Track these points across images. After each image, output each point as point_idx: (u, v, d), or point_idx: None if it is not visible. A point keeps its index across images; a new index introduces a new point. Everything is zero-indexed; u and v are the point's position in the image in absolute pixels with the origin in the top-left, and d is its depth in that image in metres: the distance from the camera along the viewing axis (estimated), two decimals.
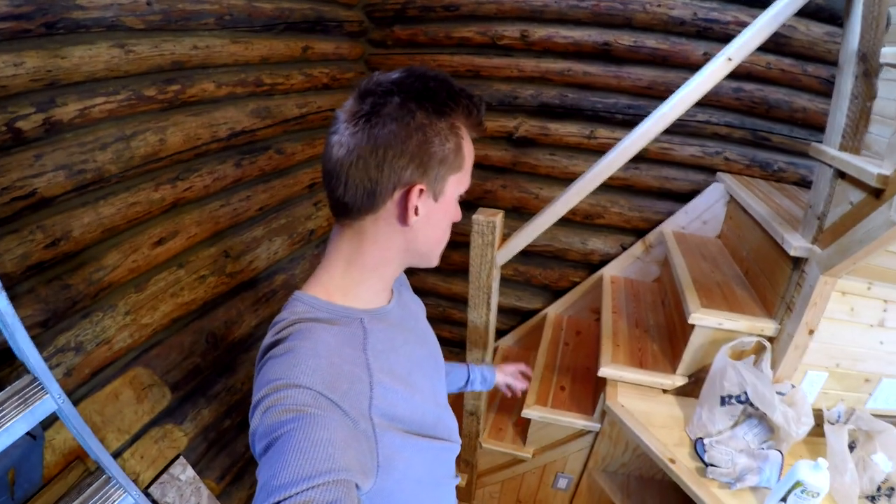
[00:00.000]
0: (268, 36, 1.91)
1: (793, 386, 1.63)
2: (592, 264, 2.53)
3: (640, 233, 2.41)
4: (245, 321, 1.97)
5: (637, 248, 2.42)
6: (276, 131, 2.04)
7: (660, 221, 2.35)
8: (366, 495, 0.67)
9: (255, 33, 1.85)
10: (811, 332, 1.58)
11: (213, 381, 1.83)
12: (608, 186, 2.35)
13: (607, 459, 2.07)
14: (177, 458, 1.70)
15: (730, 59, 1.54)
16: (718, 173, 2.23)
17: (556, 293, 2.66)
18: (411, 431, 0.75)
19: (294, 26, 2.01)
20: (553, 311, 2.66)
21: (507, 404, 2.38)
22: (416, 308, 0.99)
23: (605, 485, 2.05)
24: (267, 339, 0.71)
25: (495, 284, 1.81)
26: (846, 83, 1.47)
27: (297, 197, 2.21)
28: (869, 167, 1.30)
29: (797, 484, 1.34)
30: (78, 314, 1.39)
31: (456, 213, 0.81)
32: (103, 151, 1.41)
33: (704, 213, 2.27)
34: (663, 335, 2.07)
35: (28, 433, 1.25)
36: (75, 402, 1.29)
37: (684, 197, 2.30)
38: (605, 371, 1.88)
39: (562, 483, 2.17)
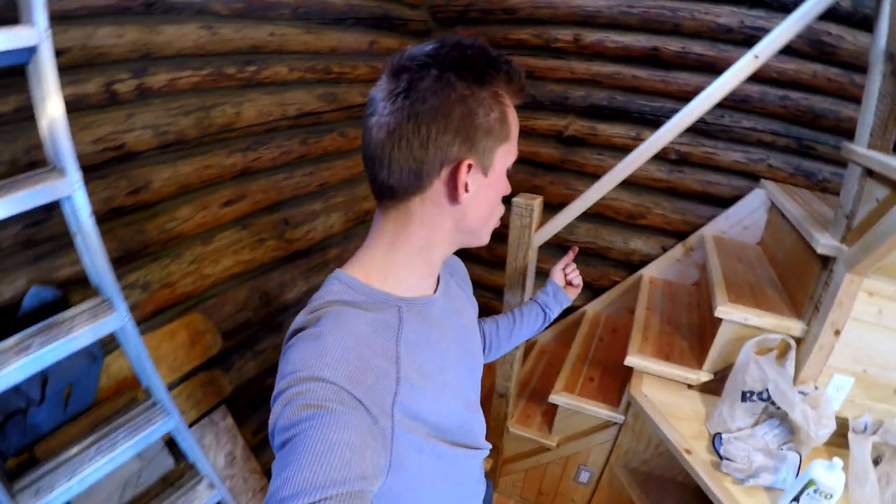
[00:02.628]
0: (338, 29, 2.06)
1: (816, 387, 1.58)
2: (633, 264, 2.53)
3: (681, 235, 2.39)
4: (297, 286, 2.12)
5: (677, 250, 2.40)
6: (341, 115, 2.19)
7: (701, 225, 2.33)
8: (374, 495, 0.62)
9: (326, 25, 2.01)
10: (837, 332, 1.52)
11: (262, 337, 1.97)
12: (652, 188, 2.39)
13: (629, 454, 2.06)
14: (219, 404, 1.83)
15: (756, 57, 1.55)
16: (762, 180, 2.19)
17: (596, 291, 2.67)
18: (432, 435, 0.71)
19: (362, 21, 2.16)
20: (592, 308, 2.67)
21: (538, 392, 2.41)
22: (463, 303, 0.92)
23: (626, 480, 2.04)
24: (299, 318, 0.69)
25: (531, 266, 1.86)
26: (874, 82, 1.44)
27: (356, 178, 2.35)
28: (892, 162, 1.28)
29: (810, 483, 1.31)
30: (148, 257, 1.55)
31: (505, 187, 0.75)
32: (186, 117, 1.58)
33: (745, 218, 2.24)
34: (694, 334, 2.04)
35: (90, 352, 1.41)
36: None
37: (726, 202, 2.26)
38: (631, 360, 1.87)
39: (583, 477, 2.17)
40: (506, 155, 0.71)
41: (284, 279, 2.06)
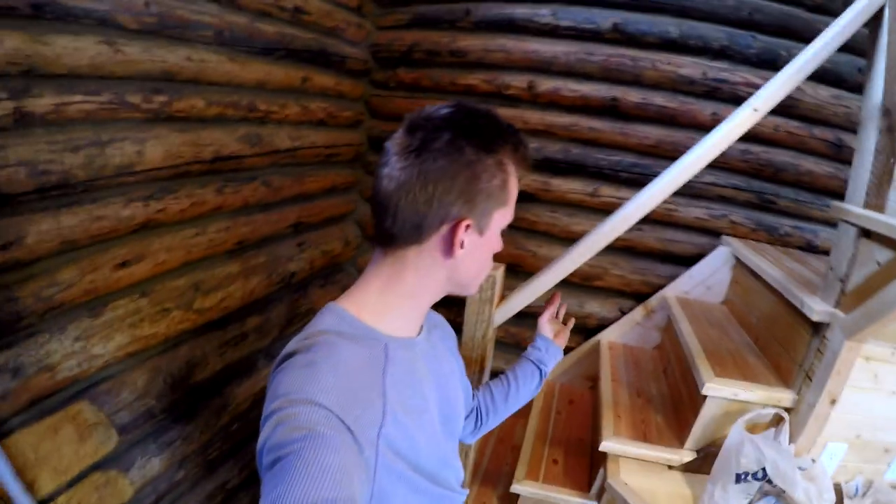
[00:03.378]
0: (267, 60, 1.84)
1: (813, 461, 1.54)
2: (588, 329, 2.41)
3: (639, 297, 2.31)
4: (210, 364, 1.77)
5: (637, 312, 2.31)
6: (265, 161, 1.93)
7: (661, 286, 2.27)
8: None
9: (253, 55, 1.78)
10: (833, 401, 1.48)
11: (168, 427, 1.61)
12: (609, 247, 2.26)
13: None
14: None
15: (756, 110, 1.50)
16: (723, 237, 2.17)
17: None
18: (413, 470, 0.74)
19: (295, 54, 1.94)
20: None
21: (491, 475, 2.17)
22: (443, 353, 0.97)
23: None
24: (291, 344, 0.72)
25: (490, 346, 1.70)
26: (869, 139, 1.45)
27: (280, 235, 2.08)
28: None
29: None
30: (22, 332, 1.22)
31: (498, 244, 0.82)
32: (74, 154, 1.28)
33: (709, 278, 2.20)
34: (667, 406, 1.93)
35: None
36: (8, 432, 1.17)
37: (687, 260, 2.23)
38: (606, 445, 1.71)
39: None
40: (502, 217, 0.79)
41: (194, 357, 1.72)
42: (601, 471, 1.76)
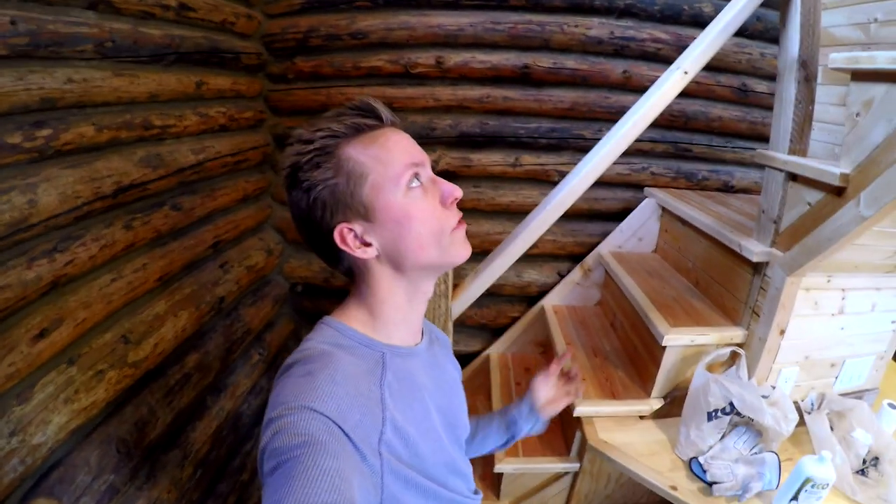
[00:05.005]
0: (156, 68, 1.60)
1: (773, 387, 1.68)
2: (530, 296, 2.44)
3: (575, 258, 2.37)
4: (159, 418, 1.57)
5: (575, 273, 2.37)
6: (171, 183, 1.70)
7: (595, 244, 2.33)
8: None
9: (141, 65, 1.54)
10: (782, 332, 1.62)
11: (134, 497, 1.43)
12: None
13: (590, 496, 1.97)
14: None
15: (686, 73, 1.54)
16: (646, 189, 2.26)
17: (494, 332, 2.53)
18: (420, 474, 0.74)
19: (186, 57, 1.71)
20: (495, 350, 2.51)
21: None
22: (445, 361, 0.98)
23: None
24: (289, 359, 0.73)
25: (449, 335, 1.67)
26: (789, 89, 1.54)
27: (200, 260, 1.86)
28: (829, 168, 1.34)
29: (807, 480, 1.35)
30: None
31: (427, 196, 0.76)
32: None
33: (639, 230, 2.29)
34: (624, 360, 2.02)
35: None
36: None
37: (616, 216, 2.30)
38: (580, 410, 1.77)
39: None
40: (378, 190, 0.72)
41: (142, 414, 1.52)
42: (578, 433, 1.82)
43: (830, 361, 1.73)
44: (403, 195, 0.73)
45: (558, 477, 1.92)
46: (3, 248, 1.14)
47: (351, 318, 0.79)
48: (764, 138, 2.26)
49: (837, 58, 1.31)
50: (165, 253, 1.69)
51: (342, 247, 0.74)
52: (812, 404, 1.73)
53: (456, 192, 0.77)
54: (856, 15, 1.75)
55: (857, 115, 1.28)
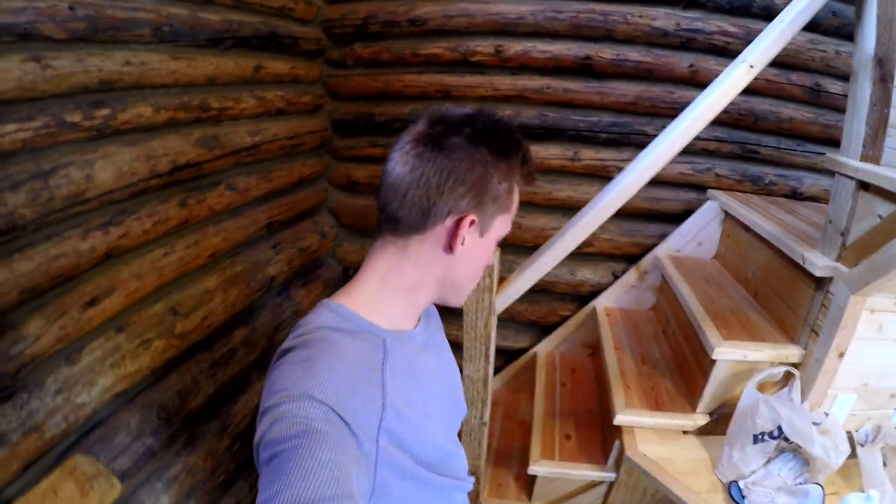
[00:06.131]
0: (214, 52, 1.65)
1: (826, 414, 1.55)
2: (583, 296, 2.36)
3: (631, 259, 2.27)
4: (202, 388, 1.65)
5: (630, 275, 2.27)
6: (227, 163, 1.77)
7: (653, 246, 2.22)
8: None
9: (199, 48, 1.59)
10: (841, 355, 1.48)
11: (171, 462, 1.50)
12: None
13: None
14: None
15: (752, 66, 1.41)
16: (710, 190, 2.13)
17: (544, 329, 2.47)
18: (416, 462, 0.74)
19: (244, 42, 1.76)
20: (543, 348, 2.46)
21: (504, 454, 2.16)
22: (442, 342, 0.98)
23: None
24: (287, 342, 0.72)
25: (493, 334, 1.62)
26: (863, 90, 1.40)
27: (253, 239, 1.93)
28: None
29: None
30: None
31: (491, 256, 0.82)
32: (15, 193, 1.11)
33: (699, 233, 2.16)
34: (672, 369, 1.91)
35: None
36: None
37: (676, 218, 2.18)
38: (621, 419, 1.70)
39: None
40: (503, 225, 0.79)
41: (185, 384, 1.60)
42: (617, 442, 1.75)
43: (891, 391, 1.56)
44: (488, 246, 0.80)
45: (593, 485, 1.86)
46: (60, 219, 1.22)
47: (354, 301, 0.77)
48: (837, 143, 2.06)
49: None
50: (219, 231, 1.76)
51: (451, 228, 0.73)
52: (867, 436, 1.58)
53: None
54: None
55: None
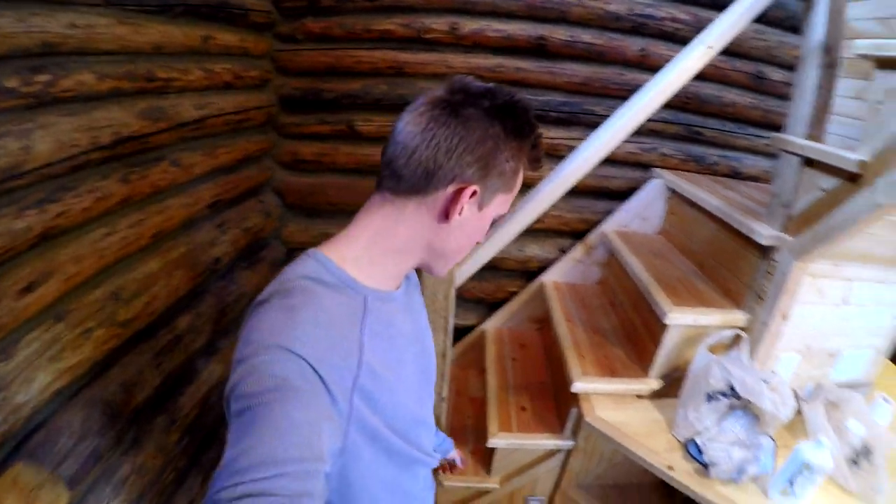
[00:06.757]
0: (163, 19, 1.51)
1: (773, 373, 1.66)
2: (530, 271, 2.39)
3: (578, 235, 2.32)
4: (147, 380, 1.52)
5: (577, 251, 2.33)
6: (172, 137, 1.62)
7: (599, 222, 2.28)
8: (328, 484, 0.66)
9: (147, 15, 1.45)
10: (784, 317, 1.60)
11: (119, 464, 1.37)
12: None
13: (582, 474, 1.95)
14: None
15: (710, 47, 1.48)
16: (654, 169, 2.21)
17: (491, 306, 2.48)
18: (387, 427, 0.74)
19: (194, 10, 1.61)
20: (491, 325, 2.47)
21: (457, 431, 2.14)
22: (420, 306, 0.99)
23: (584, 500, 1.93)
24: (268, 289, 0.70)
25: (453, 306, 1.60)
26: (810, 75, 1.50)
27: (197, 218, 1.79)
28: (847, 154, 1.31)
29: (804, 466, 1.37)
30: None
31: (483, 233, 0.81)
32: None
33: (645, 210, 2.24)
34: (623, 339, 1.99)
35: None
36: None
37: (622, 195, 2.25)
38: (578, 386, 1.74)
39: None
40: (502, 204, 0.79)
41: (129, 376, 1.46)
42: (573, 410, 1.79)
43: (829, 351, 1.70)
44: (483, 221, 0.79)
45: (551, 454, 1.89)
46: None
47: (341, 255, 0.75)
48: (776, 127, 2.20)
49: (863, 44, 1.27)
50: (162, 209, 1.62)
51: (452, 195, 0.72)
52: (808, 393, 1.72)
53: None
54: (879, 9, 1.70)
55: (880, 103, 1.25)
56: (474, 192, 0.72)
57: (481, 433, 1.91)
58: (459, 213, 0.73)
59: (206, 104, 1.75)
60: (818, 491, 1.40)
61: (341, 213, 2.22)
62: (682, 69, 1.51)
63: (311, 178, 2.19)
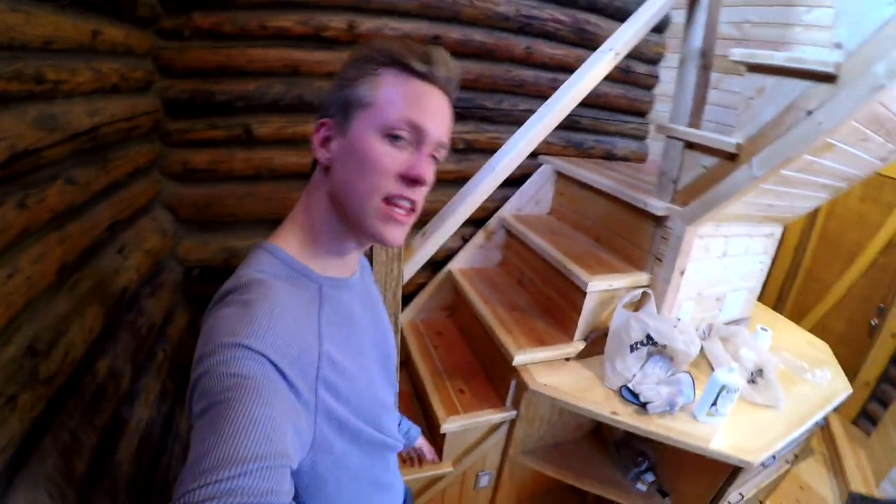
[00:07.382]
0: (53, 8, 1.21)
1: (679, 319, 1.91)
2: (436, 262, 2.41)
3: (477, 223, 2.39)
4: (85, 443, 1.24)
5: (479, 237, 2.41)
6: (65, 150, 1.32)
7: (496, 209, 2.38)
8: (298, 481, 0.65)
9: (37, 2, 1.16)
10: (682, 273, 1.84)
11: None
12: (443, 181, 2.28)
13: (526, 440, 2.07)
14: None
15: (617, 54, 1.65)
16: (541, 156, 2.37)
17: (403, 299, 2.43)
18: (353, 414, 0.72)
19: (83, 0, 1.32)
20: (404, 318, 2.44)
21: None
22: (376, 294, 0.97)
23: (532, 463, 2.05)
24: (225, 285, 0.68)
25: (400, 302, 1.57)
26: (690, 74, 1.75)
27: (98, 244, 1.48)
28: (726, 138, 1.57)
29: (722, 388, 1.60)
30: None
31: (373, 156, 0.69)
32: None
33: (536, 194, 2.40)
34: (540, 312, 2.13)
35: None
36: None
37: (516, 182, 2.37)
38: (519, 360, 1.85)
39: (483, 481, 2.07)
40: (366, 121, 0.70)
41: (64, 443, 1.19)
42: (513, 382, 1.89)
43: (716, 296, 2.02)
44: (377, 139, 0.69)
45: (495, 428, 1.96)
46: None
47: (287, 242, 0.74)
48: (641, 113, 2.52)
49: (739, 52, 1.52)
50: (62, 237, 1.32)
51: (313, 137, 0.74)
52: (704, 333, 2.02)
53: (422, 175, 0.70)
54: (733, 15, 2.06)
55: (751, 98, 1.51)
56: (323, 123, 0.73)
57: (433, 422, 1.91)
58: (325, 149, 0.73)
59: (98, 110, 1.44)
60: (734, 408, 1.67)
61: (242, 224, 2.00)
62: (594, 72, 1.67)
63: (207, 189, 1.93)
